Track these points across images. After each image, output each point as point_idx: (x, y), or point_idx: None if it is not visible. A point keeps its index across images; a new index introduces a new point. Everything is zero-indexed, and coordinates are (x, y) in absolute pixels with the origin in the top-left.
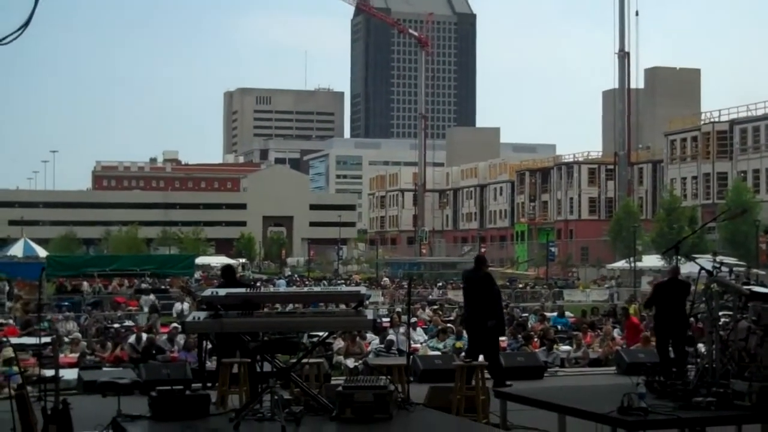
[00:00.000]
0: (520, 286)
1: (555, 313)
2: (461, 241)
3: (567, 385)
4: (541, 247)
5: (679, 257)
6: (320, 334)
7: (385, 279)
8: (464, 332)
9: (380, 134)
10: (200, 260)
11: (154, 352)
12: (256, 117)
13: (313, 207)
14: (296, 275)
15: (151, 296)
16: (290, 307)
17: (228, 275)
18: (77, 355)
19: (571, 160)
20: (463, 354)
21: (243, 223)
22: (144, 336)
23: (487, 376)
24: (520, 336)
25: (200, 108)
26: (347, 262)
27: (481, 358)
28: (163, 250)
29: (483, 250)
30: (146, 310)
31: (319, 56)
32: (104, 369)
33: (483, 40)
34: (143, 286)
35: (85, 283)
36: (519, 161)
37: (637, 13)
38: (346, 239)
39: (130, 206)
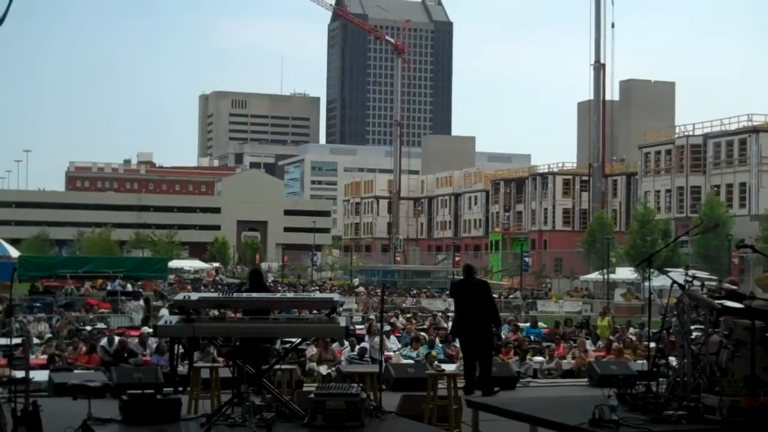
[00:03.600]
0: (494, 296)
1: (528, 324)
2: (435, 250)
3: (539, 396)
4: (515, 257)
5: (651, 270)
6: (293, 340)
7: (360, 287)
8: (437, 340)
9: (355, 141)
10: (173, 264)
11: (125, 355)
12: (232, 121)
13: (287, 212)
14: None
15: (141, 302)
16: None
17: (255, 279)
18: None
19: (546, 170)
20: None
21: (217, 227)
22: (116, 339)
23: (460, 384)
24: None
25: (175, 110)
26: (321, 268)
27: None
28: (136, 253)
29: (458, 258)
30: (134, 316)
31: (296, 61)
32: (75, 371)
33: (459, 48)
34: (116, 288)
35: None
36: (494, 171)
37: (613, 25)
38: (321, 245)
39: (103, 208)
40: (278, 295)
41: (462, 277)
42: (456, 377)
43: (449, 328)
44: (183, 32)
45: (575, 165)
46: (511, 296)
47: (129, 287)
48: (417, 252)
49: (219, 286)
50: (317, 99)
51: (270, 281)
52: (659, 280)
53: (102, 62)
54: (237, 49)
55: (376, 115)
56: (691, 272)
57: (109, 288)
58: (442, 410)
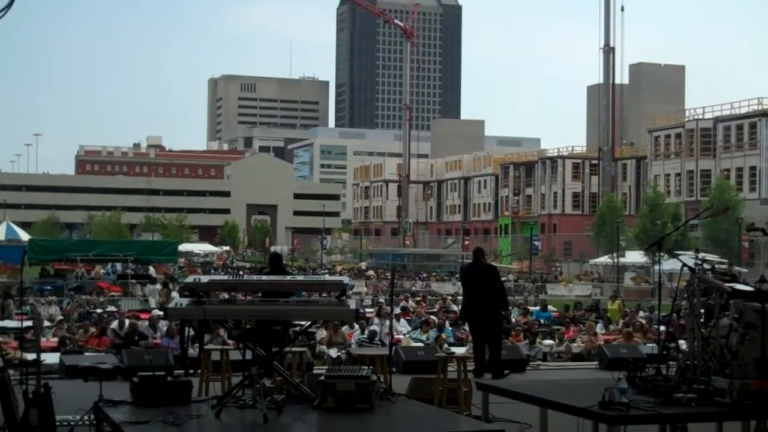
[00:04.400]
0: (504, 279)
1: (538, 307)
2: (445, 234)
3: (549, 378)
4: (524, 240)
5: (661, 253)
6: (303, 323)
7: (369, 270)
8: (447, 324)
9: (365, 124)
10: (183, 247)
11: (136, 338)
12: (241, 104)
13: (297, 196)
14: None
15: (158, 285)
16: None
17: (275, 263)
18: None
19: (556, 154)
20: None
21: (227, 211)
22: (126, 322)
23: (470, 367)
24: None
25: (185, 94)
26: (331, 252)
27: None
28: (146, 236)
29: (467, 242)
30: (152, 301)
31: (305, 45)
32: (86, 354)
33: (468, 31)
34: (126, 271)
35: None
36: (503, 154)
37: (622, 8)
38: (330, 229)
39: (113, 191)
40: (288, 277)
41: (471, 261)
42: (466, 360)
43: (458, 312)
44: (192, 16)
45: (585, 149)
46: (503, 279)
47: (152, 270)
48: (426, 236)
49: (229, 269)
50: (326, 83)
51: None
52: (669, 264)
53: (111, 46)
54: (246, 32)
55: (385, 98)
56: (701, 255)
57: (104, 270)
58: (452, 393)
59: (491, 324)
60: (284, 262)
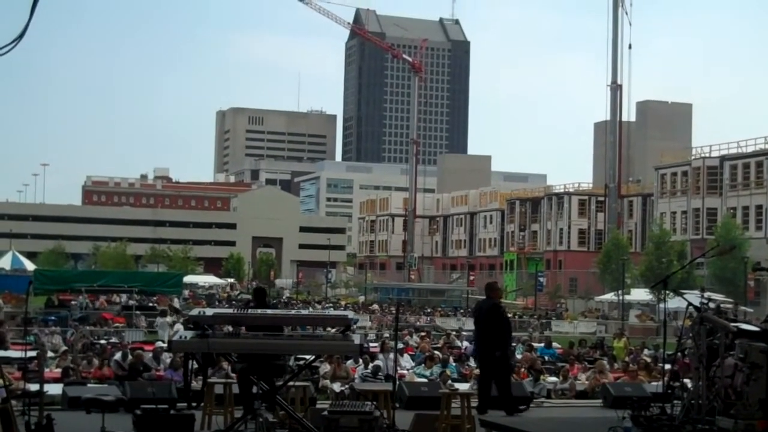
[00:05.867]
0: (509, 315)
1: (542, 344)
2: (450, 268)
3: (553, 416)
4: (529, 276)
5: (667, 292)
6: (307, 357)
7: (374, 304)
8: (451, 359)
9: (372, 158)
10: (188, 279)
11: (140, 368)
12: (248, 137)
13: (303, 229)
14: (284, 298)
15: (168, 318)
16: None
17: (259, 297)
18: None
19: (562, 190)
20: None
21: (232, 243)
22: (130, 353)
23: (473, 403)
24: None
25: (192, 126)
26: (336, 285)
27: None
28: (152, 268)
29: (472, 278)
30: (162, 334)
31: (313, 78)
32: (89, 385)
33: (476, 67)
34: (131, 302)
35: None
36: (510, 190)
37: (630, 46)
38: (335, 262)
39: (119, 222)
40: (293, 311)
41: (484, 297)
42: (470, 396)
43: (463, 347)
44: (201, 48)
45: (591, 185)
46: (523, 317)
47: (177, 303)
48: (431, 270)
49: (234, 302)
50: (334, 116)
51: (284, 298)
52: (674, 302)
53: (120, 77)
54: (254, 65)
55: (393, 133)
56: (706, 294)
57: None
58: (456, 429)
59: (496, 361)
60: (288, 295)
